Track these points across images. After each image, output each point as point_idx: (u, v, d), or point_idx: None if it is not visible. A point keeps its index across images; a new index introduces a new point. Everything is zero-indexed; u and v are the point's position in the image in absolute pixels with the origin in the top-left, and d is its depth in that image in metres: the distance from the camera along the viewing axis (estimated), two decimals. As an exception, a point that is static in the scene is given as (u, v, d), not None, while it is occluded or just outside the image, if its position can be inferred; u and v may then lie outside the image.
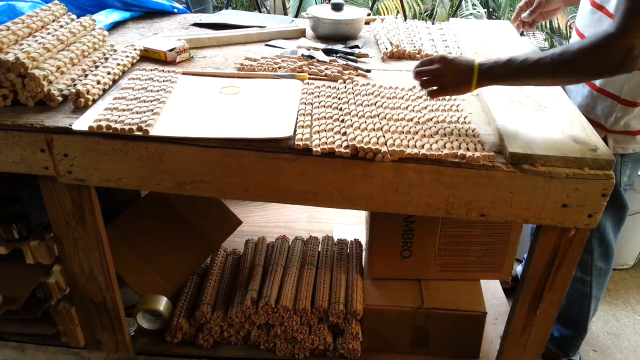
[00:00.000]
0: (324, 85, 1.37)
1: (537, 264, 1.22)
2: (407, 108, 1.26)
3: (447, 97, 1.31)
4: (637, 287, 2.24)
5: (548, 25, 4.45)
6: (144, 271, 1.62)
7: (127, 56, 1.43)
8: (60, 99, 1.21)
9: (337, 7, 1.75)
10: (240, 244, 1.82)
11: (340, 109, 1.24)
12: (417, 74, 1.19)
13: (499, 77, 1.12)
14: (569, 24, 3.58)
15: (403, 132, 1.15)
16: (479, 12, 4.32)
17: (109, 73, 1.32)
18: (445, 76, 1.14)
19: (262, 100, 1.28)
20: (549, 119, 1.20)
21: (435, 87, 1.17)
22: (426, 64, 1.18)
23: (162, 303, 1.55)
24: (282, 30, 1.76)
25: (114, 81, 1.34)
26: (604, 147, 1.09)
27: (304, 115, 1.22)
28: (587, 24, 1.35)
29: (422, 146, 1.10)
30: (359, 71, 1.47)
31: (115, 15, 1.79)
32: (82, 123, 1.13)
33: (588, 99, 1.37)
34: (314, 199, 1.16)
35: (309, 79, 1.42)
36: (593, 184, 1.05)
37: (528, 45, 1.62)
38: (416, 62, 1.21)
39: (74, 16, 1.45)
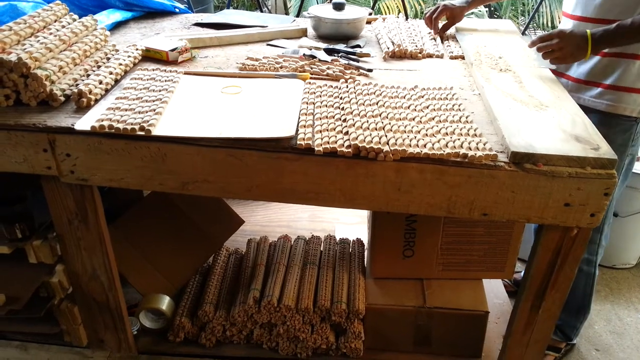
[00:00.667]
0: (326, 85, 1.37)
1: (539, 263, 1.22)
2: (409, 107, 1.26)
3: (448, 97, 1.32)
4: (639, 287, 2.24)
5: (549, 24, 4.45)
6: (147, 270, 1.62)
7: (129, 56, 1.43)
8: (62, 99, 1.22)
9: (338, 7, 1.75)
10: (242, 244, 1.82)
11: (342, 109, 1.24)
12: (539, 49, 1.41)
13: (610, 42, 1.35)
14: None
15: (405, 132, 1.15)
16: (480, 11, 4.31)
17: (111, 73, 1.32)
18: (564, 49, 1.37)
19: (264, 100, 1.28)
20: (551, 118, 1.20)
21: (556, 57, 1.39)
22: (546, 39, 1.41)
23: (165, 302, 1.55)
24: (284, 29, 1.76)
25: (116, 81, 1.34)
26: (606, 146, 1.09)
27: (305, 114, 1.22)
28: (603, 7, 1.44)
29: (424, 145, 1.10)
30: (361, 71, 1.47)
31: (117, 15, 1.79)
32: (84, 123, 1.13)
33: (627, 70, 1.44)
34: (316, 199, 1.16)
35: (311, 78, 1.42)
36: (595, 183, 1.05)
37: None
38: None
39: (75, 16, 1.45)
